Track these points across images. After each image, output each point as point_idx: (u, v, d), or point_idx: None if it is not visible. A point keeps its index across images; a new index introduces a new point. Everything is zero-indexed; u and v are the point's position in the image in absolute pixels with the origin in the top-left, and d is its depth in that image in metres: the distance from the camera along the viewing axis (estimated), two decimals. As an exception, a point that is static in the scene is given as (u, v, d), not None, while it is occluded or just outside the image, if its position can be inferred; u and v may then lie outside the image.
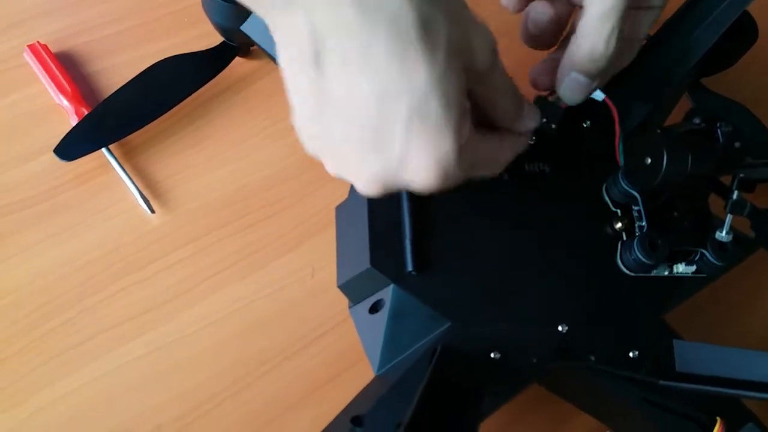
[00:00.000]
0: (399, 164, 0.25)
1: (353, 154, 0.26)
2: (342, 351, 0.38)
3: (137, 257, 0.39)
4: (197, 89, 0.44)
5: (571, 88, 0.33)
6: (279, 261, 0.41)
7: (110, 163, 0.41)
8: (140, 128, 0.42)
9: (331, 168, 0.27)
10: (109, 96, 0.43)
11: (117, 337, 0.37)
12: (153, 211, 0.40)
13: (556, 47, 0.36)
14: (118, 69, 0.44)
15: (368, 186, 0.27)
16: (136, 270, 0.39)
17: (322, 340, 0.38)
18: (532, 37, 0.35)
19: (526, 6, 0.35)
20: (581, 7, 0.32)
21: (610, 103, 0.35)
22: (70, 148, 0.41)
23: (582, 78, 0.33)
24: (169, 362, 0.37)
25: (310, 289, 0.40)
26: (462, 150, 0.25)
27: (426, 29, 0.23)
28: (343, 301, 0.38)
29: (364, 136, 0.25)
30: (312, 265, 0.41)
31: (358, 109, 0.24)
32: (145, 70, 0.43)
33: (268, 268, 0.40)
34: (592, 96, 0.35)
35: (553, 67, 0.35)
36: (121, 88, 0.43)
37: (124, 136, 0.42)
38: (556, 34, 0.35)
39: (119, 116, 0.42)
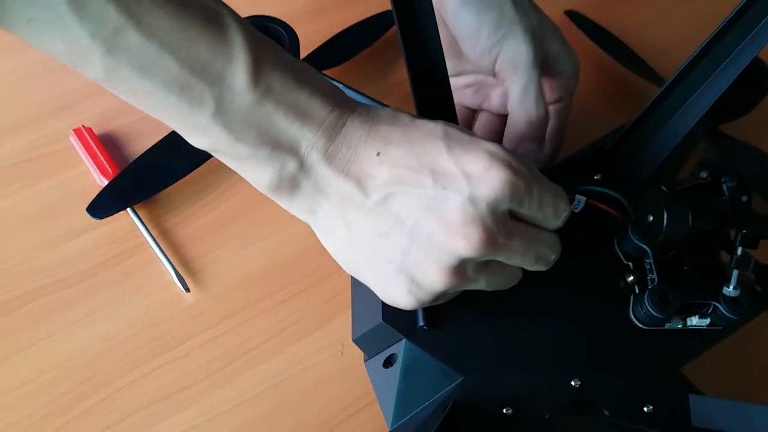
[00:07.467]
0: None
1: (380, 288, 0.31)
2: None
3: (172, 335, 0.40)
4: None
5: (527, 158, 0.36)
6: (309, 338, 0.41)
7: (148, 242, 0.42)
8: (171, 185, 0.44)
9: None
10: (139, 156, 0.44)
11: (151, 416, 0.38)
12: (188, 290, 0.41)
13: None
14: (157, 148, 0.46)
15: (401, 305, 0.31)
16: (170, 348, 0.40)
17: (351, 421, 0.38)
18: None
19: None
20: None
21: (594, 202, 0.35)
22: (103, 206, 0.42)
23: (532, 145, 0.38)
24: (199, 443, 0.37)
25: (339, 366, 0.40)
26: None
27: None
28: (372, 379, 0.38)
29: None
30: (342, 342, 0.41)
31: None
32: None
33: (299, 344, 0.41)
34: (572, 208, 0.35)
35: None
36: (150, 148, 0.45)
37: (156, 193, 0.44)
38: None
39: (150, 174, 0.44)
